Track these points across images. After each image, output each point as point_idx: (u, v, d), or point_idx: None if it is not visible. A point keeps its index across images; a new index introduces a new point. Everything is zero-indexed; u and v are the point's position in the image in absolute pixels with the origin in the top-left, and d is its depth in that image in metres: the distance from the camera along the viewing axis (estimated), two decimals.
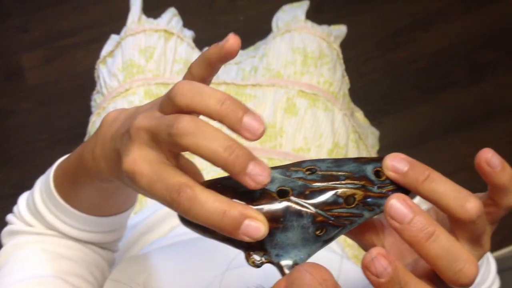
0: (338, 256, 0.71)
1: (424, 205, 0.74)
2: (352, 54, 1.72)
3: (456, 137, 1.77)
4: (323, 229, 0.39)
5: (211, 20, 1.85)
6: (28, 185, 0.67)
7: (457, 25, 1.87)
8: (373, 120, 1.33)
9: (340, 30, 1.18)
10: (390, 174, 0.39)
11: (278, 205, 0.39)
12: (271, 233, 0.38)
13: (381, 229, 0.44)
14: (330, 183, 0.40)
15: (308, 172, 0.41)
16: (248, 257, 0.39)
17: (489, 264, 0.71)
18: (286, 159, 0.99)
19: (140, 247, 0.86)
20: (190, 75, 0.44)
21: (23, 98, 1.79)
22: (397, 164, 0.39)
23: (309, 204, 0.39)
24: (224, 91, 1.03)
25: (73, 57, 1.82)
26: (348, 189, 0.39)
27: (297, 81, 1.06)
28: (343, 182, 0.40)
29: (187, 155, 0.43)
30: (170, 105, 0.39)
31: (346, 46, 1.20)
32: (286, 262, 0.39)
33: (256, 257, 0.39)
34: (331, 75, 1.08)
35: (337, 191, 0.39)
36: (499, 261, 0.77)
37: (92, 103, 1.16)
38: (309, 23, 1.12)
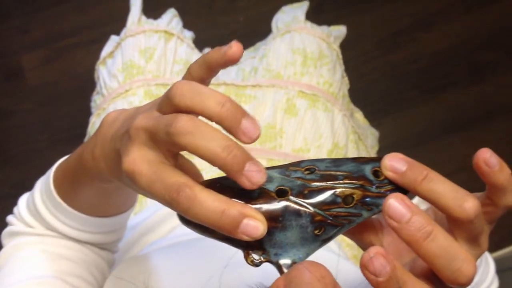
0: (335, 255, 0.72)
1: (423, 205, 0.74)
2: (352, 54, 1.73)
3: (456, 137, 1.77)
4: (321, 228, 0.39)
5: (211, 21, 1.85)
6: (28, 186, 0.67)
7: (457, 26, 1.87)
8: (373, 121, 1.33)
9: (340, 30, 1.18)
10: (389, 174, 0.39)
11: (277, 205, 0.39)
12: (270, 232, 0.38)
13: (380, 229, 0.44)
14: (329, 183, 0.40)
15: (307, 172, 0.41)
16: (247, 256, 0.39)
17: (487, 264, 0.71)
18: (286, 160, 0.99)
19: (140, 247, 0.86)
20: (189, 75, 0.44)
21: (23, 98, 1.79)
22: (395, 164, 0.39)
23: (307, 203, 0.39)
24: (223, 92, 1.03)
25: (73, 58, 1.82)
26: (346, 189, 0.40)
27: (297, 81, 1.06)
28: (341, 181, 0.40)
29: (186, 155, 0.44)
30: (168, 105, 0.39)
31: (346, 46, 1.20)
32: (284, 261, 0.39)
33: (255, 256, 0.39)
34: (331, 75, 1.08)
35: (335, 191, 0.39)
36: (498, 261, 0.77)
37: (92, 104, 1.16)
38: (309, 24, 1.12)
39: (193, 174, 0.45)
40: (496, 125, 1.79)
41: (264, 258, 0.39)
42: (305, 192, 0.39)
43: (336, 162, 0.41)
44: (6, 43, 1.85)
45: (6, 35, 1.85)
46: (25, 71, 1.81)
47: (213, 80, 1.08)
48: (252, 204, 0.39)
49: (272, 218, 0.38)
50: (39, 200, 0.62)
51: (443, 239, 0.36)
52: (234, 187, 0.39)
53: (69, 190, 0.59)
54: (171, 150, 0.40)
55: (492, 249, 1.58)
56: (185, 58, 1.12)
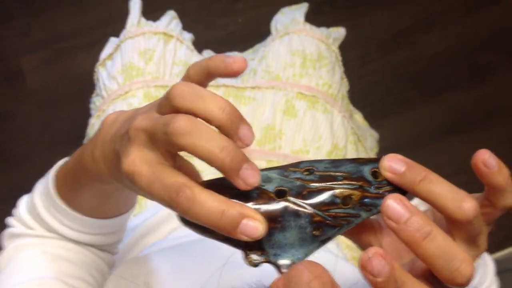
0: (333, 256, 0.72)
1: (422, 206, 0.74)
2: (352, 55, 1.73)
3: (456, 138, 1.77)
4: (320, 229, 0.39)
5: (210, 23, 1.85)
6: (28, 187, 0.67)
7: (457, 27, 1.88)
8: (372, 122, 1.33)
9: (339, 32, 1.18)
10: (387, 174, 0.39)
11: (276, 205, 0.39)
12: (269, 233, 0.38)
13: (379, 229, 0.44)
14: (328, 184, 0.40)
15: (306, 173, 0.41)
16: (246, 257, 0.39)
17: (487, 266, 0.71)
18: (285, 161, 0.99)
19: (140, 249, 0.86)
20: (187, 77, 0.44)
21: (23, 100, 1.79)
22: (394, 164, 0.39)
23: (306, 204, 0.39)
24: (223, 94, 1.03)
25: (73, 60, 1.82)
26: (345, 190, 0.40)
27: (296, 83, 1.06)
28: (340, 182, 0.40)
29: (185, 156, 0.44)
30: (168, 106, 0.40)
31: (345, 47, 1.20)
32: (284, 262, 0.39)
33: (254, 257, 0.39)
34: (330, 77, 1.08)
35: (334, 192, 0.39)
36: (497, 262, 0.77)
37: (92, 106, 1.16)
38: (308, 26, 1.12)
39: (192, 175, 0.45)
40: (496, 126, 1.79)
41: (263, 259, 0.39)
42: (304, 193, 0.39)
43: (335, 163, 0.42)
44: (6, 45, 1.85)
45: (6, 37, 1.86)
46: (25, 73, 1.82)
47: (213, 82, 1.08)
48: (251, 204, 0.39)
49: (271, 219, 0.39)
50: (39, 202, 0.62)
51: (442, 239, 0.36)
52: (233, 188, 0.39)
53: (69, 191, 0.59)
54: (169, 150, 0.40)
55: (491, 250, 1.58)
56: (185, 59, 1.12)
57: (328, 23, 1.21)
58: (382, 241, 0.43)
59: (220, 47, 1.39)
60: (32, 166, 1.72)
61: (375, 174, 0.40)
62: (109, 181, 0.50)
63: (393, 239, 0.43)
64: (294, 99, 1.04)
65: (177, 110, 0.39)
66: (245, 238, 0.37)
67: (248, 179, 0.37)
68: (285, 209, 0.39)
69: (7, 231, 0.67)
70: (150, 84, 1.06)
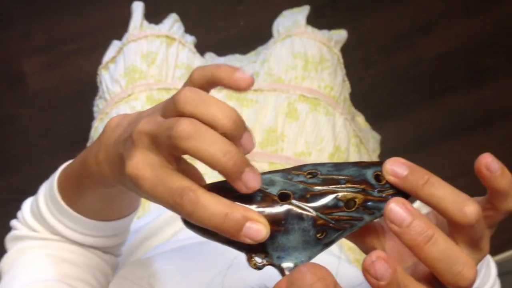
0: (336, 258, 0.72)
1: (424, 209, 0.74)
2: (353, 58, 1.73)
3: (456, 142, 1.77)
4: (323, 232, 0.40)
5: (211, 26, 1.85)
6: (30, 191, 0.67)
7: (457, 30, 1.88)
8: (373, 125, 1.34)
9: (341, 35, 1.19)
10: (390, 178, 0.40)
11: (279, 208, 0.39)
12: (273, 235, 0.39)
13: (382, 233, 0.44)
14: (331, 187, 0.40)
15: (309, 176, 0.41)
16: (249, 259, 0.40)
17: (489, 268, 0.71)
18: (287, 163, 0.99)
19: (143, 251, 0.86)
20: (191, 82, 0.44)
21: (24, 103, 1.80)
22: (397, 168, 0.39)
23: (310, 207, 0.39)
24: (225, 96, 1.03)
25: (75, 63, 1.82)
26: (348, 193, 0.40)
27: (298, 85, 1.06)
28: (343, 185, 0.40)
29: (188, 159, 0.44)
30: (173, 110, 0.40)
31: (346, 50, 1.20)
32: (287, 265, 0.39)
33: (258, 259, 0.40)
34: (332, 79, 1.09)
35: (337, 195, 0.40)
36: (499, 265, 0.77)
37: (95, 109, 1.16)
38: (310, 28, 1.12)
39: (196, 178, 0.45)
40: (496, 129, 1.79)
41: (266, 261, 0.39)
42: (308, 196, 0.40)
43: (338, 166, 0.42)
44: (7, 48, 1.85)
45: (8, 40, 1.86)
46: (27, 76, 1.82)
47: None
48: (255, 207, 0.39)
49: (275, 222, 0.39)
50: (43, 204, 0.63)
51: (444, 243, 0.36)
52: (236, 190, 0.39)
53: (73, 194, 0.60)
54: (173, 153, 0.40)
55: (493, 252, 1.58)
56: (187, 62, 1.12)
57: (329, 26, 1.21)
58: (384, 244, 0.44)
59: (221, 50, 1.39)
60: (33, 169, 1.72)
61: (378, 177, 0.41)
62: (113, 184, 0.50)
63: (396, 242, 0.44)
64: (296, 101, 1.04)
65: (182, 115, 0.39)
66: (248, 241, 0.37)
67: (249, 182, 0.38)
68: (289, 212, 0.39)
69: (11, 234, 0.67)
70: (153, 87, 1.06)
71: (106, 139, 0.49)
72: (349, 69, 1.19)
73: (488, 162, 0.38)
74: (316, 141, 1.02)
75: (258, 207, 0.39)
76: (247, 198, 0.39)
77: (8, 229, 0.68)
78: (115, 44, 1.16)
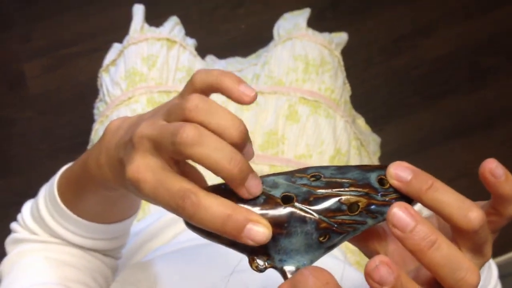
0: (341, 262, 0.72)
1: (425, 211, 0.74)
2: (354, 60, 1.73)
3: (457, 143, 1.77)
4: (326, 235, 0.39)
5: (212, 29, 1.85)
6: (31, 193, 0.67)
7: (458, 31, 1.88)
8: (374, 127, 1.33)
9: (341, 37, 1.19)
10: (394, 182, 0.39)
11: (282, 211, 0.39)
12: (275, 238, 0.39)
13: (384, 236, 0.44)
14: (334, 190, 0.40)
15: (312, 179, 0.41)
16: (251, 262, 0.39)
17: (490, 270, 0.71)
18: (288, 166, 0.99)
19: (144, 254, 0.86)
20: (191, 85, 0.44)
21: (25, 106, 1.80)
22: (400, 172, 0.39)
23: (313, 210, 0.39)
24: (225, 100, 1.03)
25: (75, 66, 1.82)
26: (352, 196, 0.40)
27: (299, 88, 1.06)
28: (347, 189, 0.40)
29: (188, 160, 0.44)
30: (179, 116, 0.40)
31: (347, 52, 1.20)
32: (289, 268, 0.39)
33: (260, 262, 0.39)
34: (333, 82, 1.09)
35: (341, 198, 0.39)
36: (500, 266, 0.77)
37: (95, 111, 1.16)
38: (310, 31, 1.12)
39: (198, 180, 0.45)
40: (497, 131, 1.79)
41: (268, 264, 0.39)
42: (311, 199, 0.39)
43: (341, 169, 0.42)
44: (8, 51, 1.85)
45: (8, 43, 1.86)
46: (27, 79, 1.82)
47: None
48: (258, 209, 0.39)
49: (277, 224, 0.39)
50: (43, 207, 0.63)
51: (447, 248, 0.36)
52: None
53: (73, 197, 0.59)
54: (175, 158, 0.40)
55: (494, 254, 1.58)
56: (188, 65, 1.12)
57: (330, 29, 1.22)
58: (387, 248, 0.43)
59: (222, 53, 1.39)
60: (34, 172, 1.72)
61: (382, 181, 0.40)
62: (115, 187, 0.50)
63: (398, 246, 0.43)
64: (297, 104, 1.04)
65: (188, 121, 0.39)
66: (250, 243, 0.37)
67: (252, 189, 0.39)
68: (291, 215, 0.39)
69: (11, 237, 0.67)
70: (154, 90, 1.06)
71: (107, 142, 0.49)
72: (350, 71, 1.19)
73: (492, 168, 0.38)
74: (317, 143, 1.02)
75: (261, 209, 0.39)
76: (249, 200, 0.39)
77: (8, 232, 0.68)
78: (116, 47, 1.16)
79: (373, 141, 1.25)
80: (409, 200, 0.39)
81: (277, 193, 0.40)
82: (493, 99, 1.81)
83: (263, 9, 1.87)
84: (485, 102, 1.81)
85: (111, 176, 0.48)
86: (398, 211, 0.36)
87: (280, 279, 0.39)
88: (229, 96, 0.42)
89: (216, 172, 0.38)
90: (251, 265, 0.40)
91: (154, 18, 1.24)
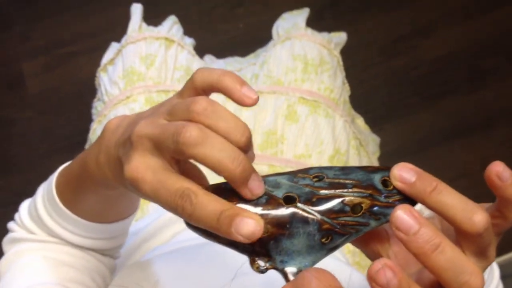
0: (348, 267, 0.71)
1: (426, 211, 0.74)
2: (353, 60, 1.73)
3: (456, 143, 1.77)
4: (329, 237, 0.39)
5: (211, 28, 1.85)
6: (30, 193, 0.67)
7: (457, 32, 1.88)
8: (373, 127, 1.33)
9: (340, 37, 1.18)
10: (398, 184, 0.39)
11: (284, 211, 0.39)
12: (277, 239, 0.38)
13: (387, 238, 0.43)
14: (337, 191, 0.39)
15: (315, 179, 0.41)
16: (252, 263, 0.39)
17: (492, 270, 0.70)
18: (287, 166, 0.99)
19: (142, 253, 0.86)
20: (191, 83, 0.44)
21: (24, 106, 1.79)
22: (404, 174, 0.39)
23: (315, 211, 0.39)
24: (224, 99, 1.03)
25: (74, 65, 1.82)
26: (355, 198, 0.39)
27: (298, 88, 1.06)
28: (350, 190, 0.39)
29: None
30: (185, 117, 0.39)
31: (346, 52, 1.20)
32: (291, 269, 0.39)
33: (261, 263, 0.39)
34: (332, 82, 1.08)
35: (344, 199, 0.39)
36: (502, 267, 0.77)
37: (93, 111, 1.16)
38: (309, 31, 1.12)
39: (199, 178, 0.45)
40: (496, 131, 1.79)
41: (270, 265, 0.39)
42: (313, 200, 0.39)
43: (345, 170, 0.41)
44: (7, 51, 1.85)
45: (7, 43, 1.86)
46: (26, 78, 1.82)
47: None
48: (260, 209, 0.39)
49: (279, 225, 0.38)
50: (41, 206, 0.62)
51: (451, 251, 0.36)
52: None
53: (71, 196, 0.59)
54: (176, 157, 0.40)
55: (496, 254, 1.58)
56: (186, 64, 1.12)
57: (329, 29, 1.21)
58: (389, 250, 0.43)
59: (221, 53, 1.39)
60: (33, 172, 1.72)
61: (385, 182, 0.40)
62: (115, 186, 0.50)
63: (401, 248, 0.43)
64: (296, 104, 1.04)
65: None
66: (240, 238, 0.36)
67: (255, 189, 0.39)
68: (294, 215, 0.39)
69: (8, 236, 0.67)
70: (152, 89, 1.05)
71: (106, 141, 0.48)
72: (349, 72, 1.19)
73: (499, 171, 0.37)
74: (316, 143, 1.02)
75: (263, 209, 0.39)
76: (251, 200, 0.39)
77: (6, 231, 0.67)
78: (114, 46, 1.16)
79: (373, 141, 1.25)
80: (413, 202, 0.39)
81: (279, 193, 0.39)
82: (492, 99, 1.81)
83: (262, 9, 1.87)
84: (484, 103, 1.81)
85: (110, 175, 0.48)
86: (402, 214, 0.36)
87: (282, 282, 0.39)
88: (230, 96, 0.42)
89: (218, 171, 0.38)
90: (252, 266, 0.39)
91: (153, 18, 1.24)
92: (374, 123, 1.37)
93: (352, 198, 0.39)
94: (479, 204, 0.39)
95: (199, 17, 1.86)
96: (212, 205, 0.37)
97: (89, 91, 1.37)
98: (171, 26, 1.15)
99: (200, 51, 1.23)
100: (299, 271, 0.38)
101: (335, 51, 1.14)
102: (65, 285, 0.61)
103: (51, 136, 1.76)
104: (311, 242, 0.39)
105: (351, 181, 0.40)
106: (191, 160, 0.44)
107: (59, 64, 1.83)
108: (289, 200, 0.39)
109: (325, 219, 0.39)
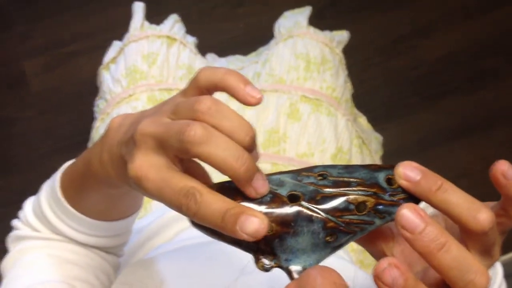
0: (353, 265, 0.71)
1: (429, 209, 0.74)
2: (354, 60, 1.72)
3: (456, 144, 1.77)
4: (333, 235, 0.39)
5: (212, 27, 1.85)
6: (31, 192, 0.67)
7: (457, 32, 1.88)
8: (373, 127, 1.33)
9: (343, 35, 1.18)
10: (402, 182, 0.39)
11: (289, 210, 0.39)
12: (281, 237, 0.38)
13: (391, 237, 0.43)
14: (342, 189, 0.39)
15: (319, 178, 0.40)
16: (257, 261, 0.39)
17: (495, 269, 0.70)
18: (290, 164, 0.99)
19: (146, 251, 0.86)
20: (195, 83, 0.44)
21: (25, 105, 1.79)
22: (409, 172, 0.39)
23: (320, 209, 0.39)
24: (227, 98, 1.03)
25: (74, 65, 1.82)
26: (359, 196, 0.39)
27: (300, 86, 1.06)
28: (354, 188, 0.39)
29: None
30: (190, 117, 0.39)
31: (347, 52, 1.20)
32: (295, 267, 0.39)
33: (266, 261, 0.39)
34: (334, 80, 1.08)
35: (348, 198, 0.39)
36: (506, 265, 0.77)
37: (95, 109, 1.16)
38: (312, 29, 1.12)
39: (202, 176, 0.45)
40: (496, 131, 1.78)
41: (274, 264, 0.39)
42: (318, 198, 0.39)
43: (349, 168, 0.41)
44: (8, 50, 1.85)
45: (8, 42, 1.85)
46: (27, 78, 1.81)
47: None
48: (264, 208, 0.39)
49: (284, 223, 0.38)
50: (45, 204, 0.62)
51: (457, 250, 0.36)
52: None
53: (75, 194, 0.59)
54: (179, 156, 0.40)
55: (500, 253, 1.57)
56: (188, 63, 1.12)
57: (329, 28, 1.21)
58: (394, 249, 0.43)
59: (222, 51, 1.39)
60: (33, 172, 1.72)
61: (390, 181, 0.40)
62: (118, 184, 0.50)
63: (405, 247, 0.43)
64: (298, 102, 1.04)
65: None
66: (245, 237, 0.36)
67: (259, 188, 0.39)
68: (298, 214, 0.39)
69: (13, 234, 0.67)
70: (154, 88, 1.06)
71: (109, 139, 0.48)
72: (349, 71, 1.19)
73: (504, 170, 0.38)
74: (319, 142, 1.02)
75: (267, 208, 0.39)
76: (256, 199, 0.39)
77: (8, 231, 0.67)
78: (116, 45, 1.16)
79: (375, 140, 1.25)
80: (417, 200, 0.39)
81: (284, 191, 0.39)
82: (492, 99, 1.81)
83: (262, 9, 1.87)
84: (484, 103, 1.81)
85: (113, 173, 0.48)
86: (407, 212, 0.36)
87: (287, 280, 0.39)
88: (234, 95, 0.42)
89: (223, 170, 0.38)
90: (256, 264, 0.39)
91: (154, 16, 1.24)
92: (375, 123, 1.37)
93: (357, 196, 0.39)
94: (483, 202, 0.39)
95: (200, 16, 1.86)
96: (216, 203, 0.37)
97: (90, 91, 1.37)
98: (173, 24, 1.15)
99: (202, 49, 1.23)
100: (304, 269, 0.38)
101: (337, 50, 1.14)
102: (69, 283, 0.61)
103: (51, 136, 1.76)
104: (315, 241, 0.39)
105: (355, 180, 0.40)
106: (195, 159, 0.44)
107: (59, 64, 1.83)
108: (293, 199, 0.39)
109: (330, 217, 0.39)
